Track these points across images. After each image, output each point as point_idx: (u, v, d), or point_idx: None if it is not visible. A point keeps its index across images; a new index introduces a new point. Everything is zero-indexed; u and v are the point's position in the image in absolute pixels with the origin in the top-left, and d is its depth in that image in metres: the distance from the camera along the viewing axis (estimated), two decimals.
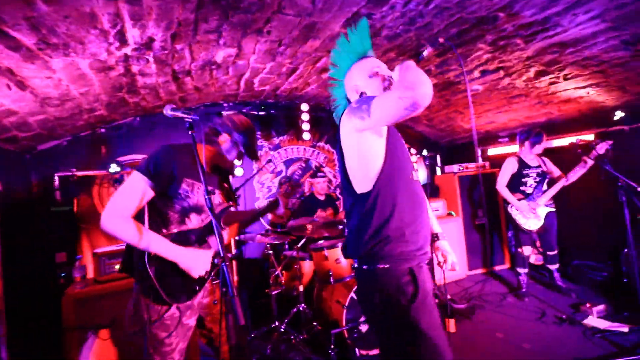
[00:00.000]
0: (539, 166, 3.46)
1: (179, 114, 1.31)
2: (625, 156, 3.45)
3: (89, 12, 1.54)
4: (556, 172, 3.48)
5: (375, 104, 1.17)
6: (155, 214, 1.42)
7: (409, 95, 1.08)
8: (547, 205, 3.42)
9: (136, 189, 1.34)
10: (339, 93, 1.53)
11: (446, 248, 1.50)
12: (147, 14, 1.69)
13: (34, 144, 3.09)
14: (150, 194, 1.37)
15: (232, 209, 1.67)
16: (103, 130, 3.43)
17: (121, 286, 2.46)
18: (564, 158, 3.54)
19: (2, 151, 2.83)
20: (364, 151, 1.27)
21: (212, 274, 1.58)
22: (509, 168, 3.51)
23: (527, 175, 3.45)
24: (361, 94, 1.40)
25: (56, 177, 3.19)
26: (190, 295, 1.47)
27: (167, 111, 1.34)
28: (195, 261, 1.41)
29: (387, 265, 1.22)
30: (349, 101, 1.49)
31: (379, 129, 1.27)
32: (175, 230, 1.44)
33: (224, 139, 1.58)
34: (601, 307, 2.96)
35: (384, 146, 1.28)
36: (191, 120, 1.31)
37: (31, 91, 2.16)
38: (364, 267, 1.27)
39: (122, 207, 1.32)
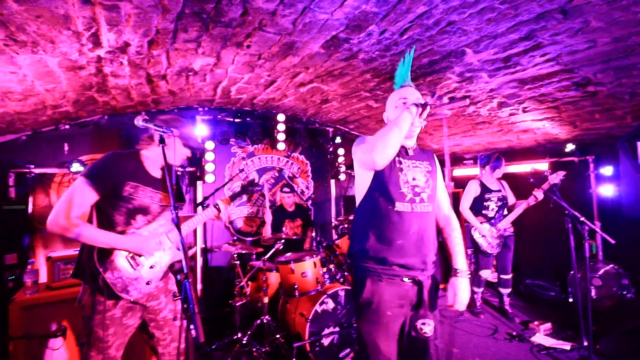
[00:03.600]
0: (500, 190, 3.59)
1: (152, 127, 1.31)
2: (574, 185, 3.77)
3: (63, 14, 1.50)
4: (511, 198, 3.66)
5: (357, 149, 1.46)
6: (102, 216, 1.50)
7: (367, 159, 1.35)
8: (506, 230, 3.53)
9: (80, 193, 1.42)
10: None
11: (456, 286, 1.49)
12: (125, 20, 1.67)
13: None
14: (94, 197, 1.45)
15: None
16: (67, 126, 3.29)
17: (76, 293, 2.34)
18: (519, 184, 3.77)
19: None
20: (358, 176, 1.54)
21: (162, 275, 1.65)
22: (472, 191, 3.60)
23: (489, 199, 3.54)
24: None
25: (11, 173, 3.01)
26: (142, 289, 1.55)
27: (139, 122, 1.33)
28: (144, 243, 1.52)
29: (356, 270, 1.49)
30: None
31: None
32: (120, 230, 1.52)
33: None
34: (548, 325, 3.18)
35: (371, 179, 1.48)
36: (163, 133, 1.31)
37: None
38: (353, 265, 1.51)
39: (67, 210, 1.39)
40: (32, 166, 3.07)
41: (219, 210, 1.90)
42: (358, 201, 1.53)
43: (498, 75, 2.66)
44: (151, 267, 1.59)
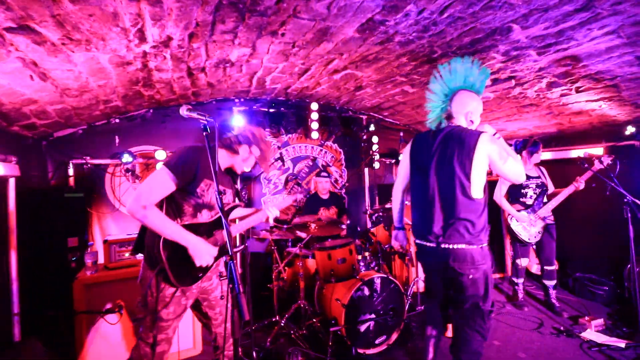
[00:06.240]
0: (539, 177, 3.40)
1: (195, 116, 1.37)
2: (634, 171, 3.44)
3: (112, 11, 1.59)
4: (551, 186, 3.43)
5: (513, 161, 1.78)
6: (172, 204, 1.56)
7: (522, 178, 1.84)
8: (546, 218, 3.35)
9: (162, 182, 1.48)
10: (440, 91, 1.97)
11: None
12: (167, 14, 1.74)
13: (50, 131, 3.19)
14: (172, 187, 1.51)
15: (239, 207, 1.77)
16: (117, 120, 3.52)
17: (130, 273, 2.55)
18: (571, 171, 3.51)
19: (21, 137, 2.93)
20: (485, 170, 1.80)
21: (214, 263, 1.70)
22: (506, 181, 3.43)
23: (527, 187, 3.38)
24: (467, 114, 1.90)
25: (71, 164, 3.29)
26: (194, 280, 1.62)
27: (184, 111, 1.39)
28: (202, 250, 1.54)
29: (486, 244, 1.84)
30: (447, 106, 1.95)
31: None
32: (187, 222, 1.58)
33: (244, 150, 1.75)
34: (600, 321, 2.98)
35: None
36: (206, 122, 1.36)
37: (52, 82, 2.23)
38: (474, 247, 1.79)
39: (147, 197, 1.45)
40: (88, 157, 3.33)
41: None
42: (482, 190, 1.80)
43: (549, 53, 2.46)
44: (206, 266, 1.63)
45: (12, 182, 2.60)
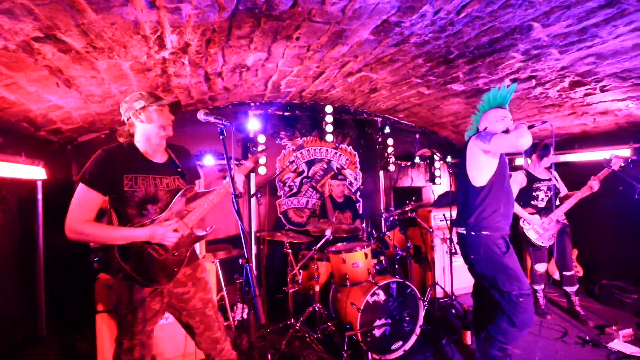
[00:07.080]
0: (550, 179, 3.31)
1: (212, 120, 1.39)
2: None
3: (133, 20, 1.64)
4: (563, 189, 3.33)
5: (494, 138, 2.00)
6: (118, 214, 1.53)
7: (515, 143, 1.89)
8: (559, 221, 3.23)
9: (82, 197, 1.45)
10: (475, 120, 2.39)
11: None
12: (186, 21, 1.78)
13: (75, 136, 3.31)
14: (99, 197, 1.46)
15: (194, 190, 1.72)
16: None
17: None
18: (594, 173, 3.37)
19: (47, 142, 3.05)
20: (482, 161, 2.12)
21: (188, 256, 1.65)
22: (517, 181, 3.32)
23: (538, 189, 3.29)
24: (485, 128, 2.24)
25: None
26: (170, 277, 1.57)
27: (201, 116, 1.42)
28: (159, 232, 1.51)
29: (488, 232, 2.12)
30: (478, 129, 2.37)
31: (494, 153, 2.10)
32: (138, 224, 1.52)
33: (144, 118, 1.62)
34: (629, 331, 2.83)
35: (497, 163, 2.12)
36: (223, 126, 1.38)
37: (76, 89, 2.32)
38: (472, 233, 2.16)
39: (77, 216, 1.43)
40: None
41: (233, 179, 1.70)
42: (482, 179, 2.12)
43: (571, 51, 2.38)
44: (175, 254, 1.59)
45: (39, 185, 2.71)
